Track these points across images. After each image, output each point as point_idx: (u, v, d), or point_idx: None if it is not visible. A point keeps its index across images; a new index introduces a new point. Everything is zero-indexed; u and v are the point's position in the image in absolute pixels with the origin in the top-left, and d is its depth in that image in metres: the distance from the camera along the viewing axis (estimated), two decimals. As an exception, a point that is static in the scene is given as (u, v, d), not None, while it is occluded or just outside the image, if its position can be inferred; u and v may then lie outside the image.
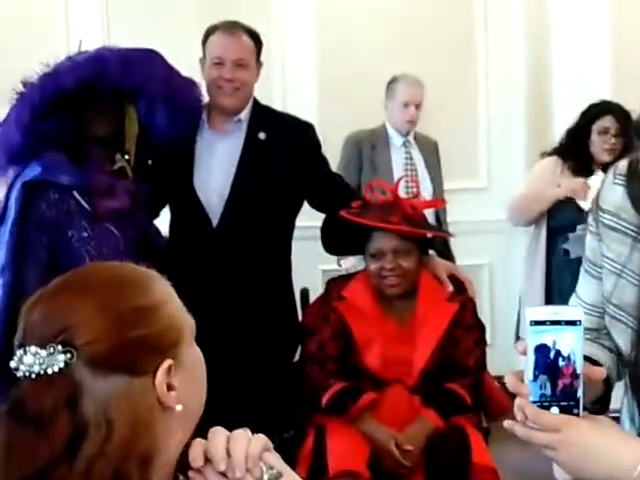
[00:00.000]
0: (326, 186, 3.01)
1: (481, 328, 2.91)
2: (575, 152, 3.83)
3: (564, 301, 3.72)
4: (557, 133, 4.17)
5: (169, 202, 3.03)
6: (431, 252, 2.96)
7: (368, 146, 4.28)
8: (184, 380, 1.09)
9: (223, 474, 1.09)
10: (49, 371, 1.02)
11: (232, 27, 2.93)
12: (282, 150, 2.93)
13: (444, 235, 2.87)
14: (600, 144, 3.76)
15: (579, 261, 3.55)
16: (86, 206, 2.63)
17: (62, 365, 1.02)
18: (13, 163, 2.66)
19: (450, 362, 2.80)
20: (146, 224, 2.84)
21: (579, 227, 3.62)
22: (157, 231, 2.92)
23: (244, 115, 2.96)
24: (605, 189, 1.49)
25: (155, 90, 2.68)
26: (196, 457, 1.09)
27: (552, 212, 3.82)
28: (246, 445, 1.08)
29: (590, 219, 1.56)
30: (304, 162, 2.95)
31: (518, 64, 4.99)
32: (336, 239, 2.99)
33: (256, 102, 3.02)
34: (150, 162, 2.95)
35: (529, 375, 1.17)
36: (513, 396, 1.20)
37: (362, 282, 2.89)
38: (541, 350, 1.15)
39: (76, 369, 1.02)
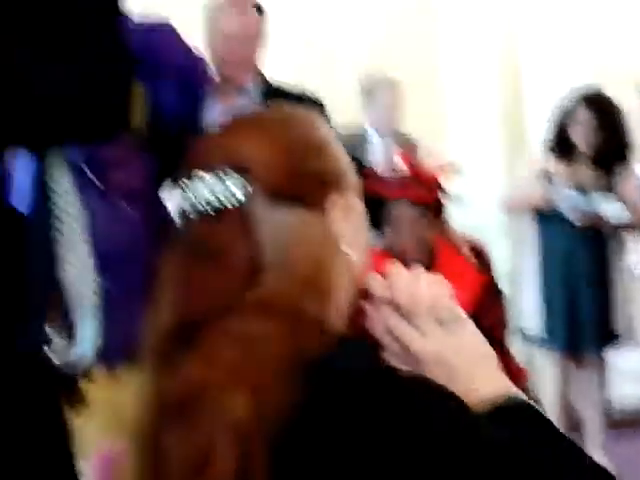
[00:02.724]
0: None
1: (503, 297, 2.86)
2: (558, 142, 3.88)
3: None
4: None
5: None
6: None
7: (348, 147, 4.26)
8: (350, 227, 1.02)
9: (398, 311, 1.00)
10: (223, 200, 0.94)
11: (236, 0, 2.87)
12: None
13: (465, 203, 2.85)
14: (579, 134, 3.81)
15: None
16: (97, 184, 2.50)
17: (237, 193, 0.94)
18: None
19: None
20: (158, 203, 2.72)
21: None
22: (168, 212, 2.78)
23: (252, 88, 2.89)
24: None
25: (167, 65, 2.58)
26: (376, 286, 1.00)
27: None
28: (429, 283, 0.99)
29: None
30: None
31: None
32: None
33: (263, 76, 2.96)
34: (157, 141, 2.84)
35: None
36: None
37: (380, 255, 2.81)
38: None
39: (251, 198, 0.94)
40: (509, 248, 4.54)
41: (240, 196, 0.94)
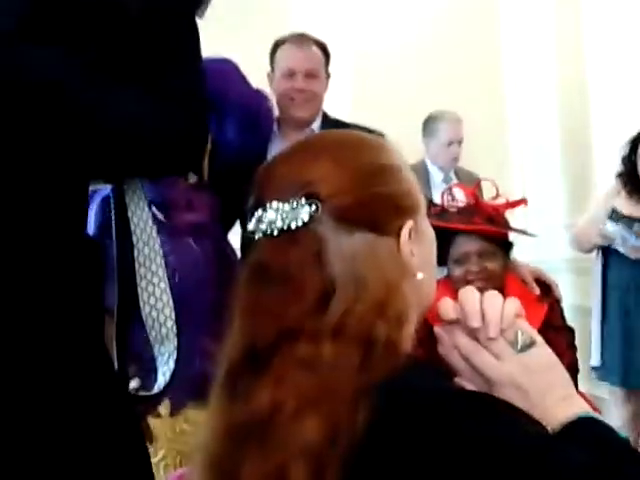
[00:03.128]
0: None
1: (571, 330, 2.82)
2: (629, 177, 3.85)
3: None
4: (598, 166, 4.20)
5: (241, 218, 2.96)
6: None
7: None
8: (420, 251, 1.04)
9: (470, 335, 1.01)
10: (293, 225, 0.96)
11: (301, 38, 2.95)
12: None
13: (530, 236, 2.82)
14: None
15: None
16: (164, 220, 2.55)
17: (307, 218, 0.96)
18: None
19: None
20: (222, 239, 2.76)
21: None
22: (232, 249, 2.84)
23: (315, 126, 2.94)
24: None
25: (230, 103, 2.63)
26: (448, 310, 1.01)
27: None
28: (501, 306, 1.00)
29: None
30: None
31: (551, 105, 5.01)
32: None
33: (326, 114, 3.00)
34: (220, 178, 2.89)
35: None
36: None
37: (445, 288, 2.80)
38: None
39: (320, 223, 0.96)
40: (576, 283, 4.49)
41: (310, 221, 0.96)
